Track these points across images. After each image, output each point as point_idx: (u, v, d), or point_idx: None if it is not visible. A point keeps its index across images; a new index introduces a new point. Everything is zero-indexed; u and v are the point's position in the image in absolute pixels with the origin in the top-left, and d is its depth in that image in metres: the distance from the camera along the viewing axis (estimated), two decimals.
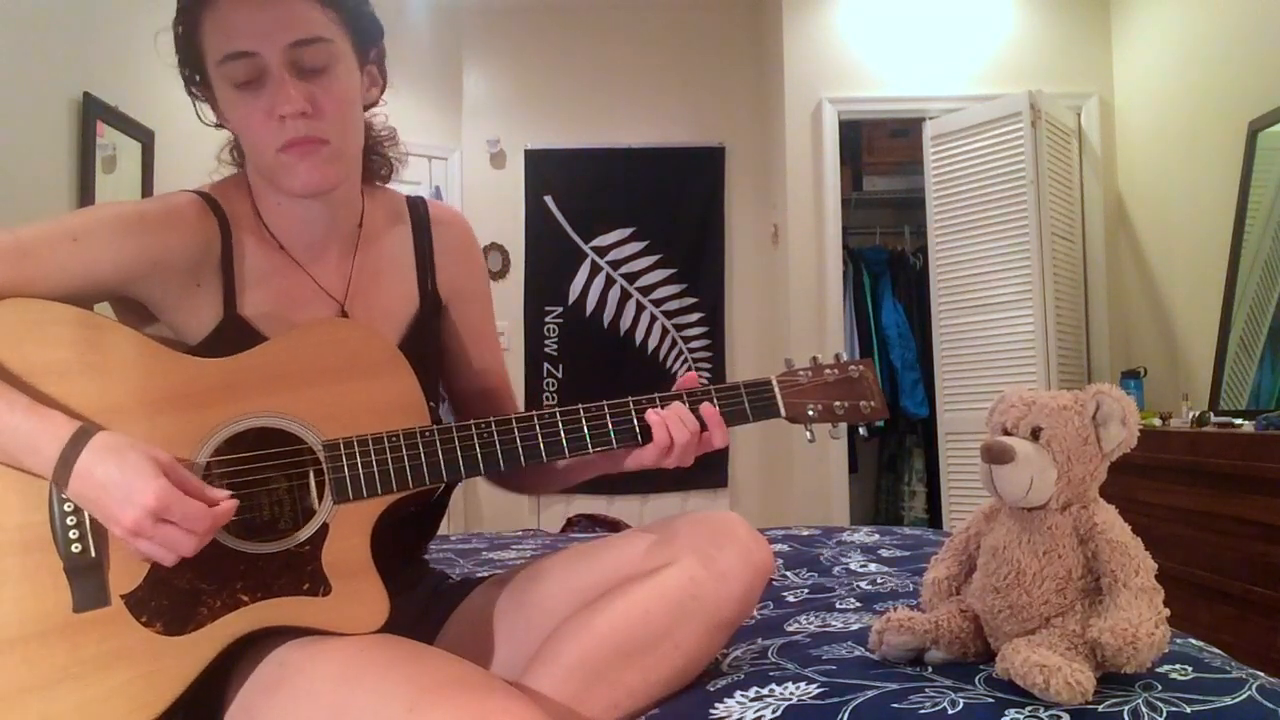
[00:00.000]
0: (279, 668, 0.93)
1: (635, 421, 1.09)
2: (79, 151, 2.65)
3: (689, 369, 4.63)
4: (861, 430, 1.21)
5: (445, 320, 1.25)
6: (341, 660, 0.91)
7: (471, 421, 1.05)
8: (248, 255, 1.10)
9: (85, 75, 2.69)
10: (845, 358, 1.20)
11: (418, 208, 1.25)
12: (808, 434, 1.17)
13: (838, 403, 1.16)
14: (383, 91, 1.17)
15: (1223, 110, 3.33)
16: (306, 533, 0.98)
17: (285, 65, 1.01)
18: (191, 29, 1.03)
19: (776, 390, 1.15)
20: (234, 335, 1.05)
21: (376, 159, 1.20)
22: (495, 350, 1.31)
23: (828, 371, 1.17)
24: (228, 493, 0.92)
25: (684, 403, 1.10)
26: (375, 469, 1.00)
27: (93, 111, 2.69)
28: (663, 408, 1.09)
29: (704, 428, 1.10)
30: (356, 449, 1.00)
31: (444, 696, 0.84)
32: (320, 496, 1.00)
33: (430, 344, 1.22)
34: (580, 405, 1.09)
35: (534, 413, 1.07)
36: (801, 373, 1.17)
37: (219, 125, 1.11)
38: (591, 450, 1.08)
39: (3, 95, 2.37)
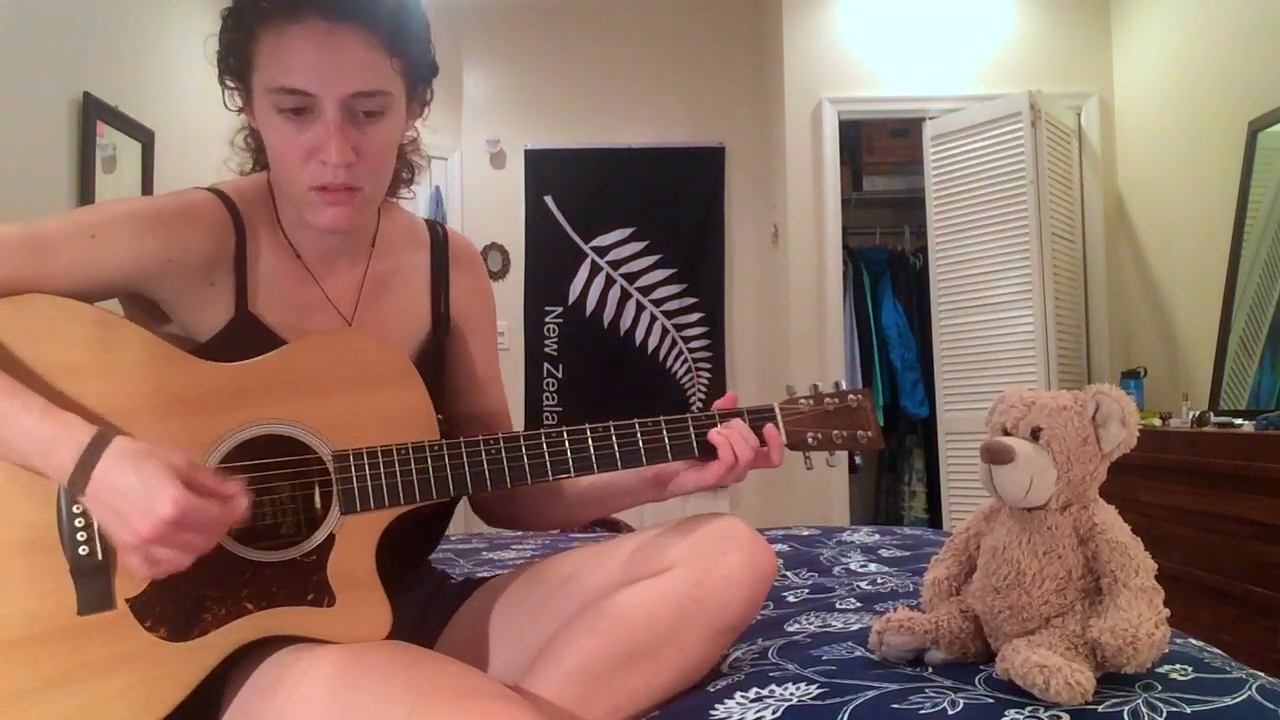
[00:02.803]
0: (277, 670, 0.92)
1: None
2: (79, 151, 2.65)
3: (690, 370, 4.64)
4: (857, 459, 1.23)
5: (452, 347, 1.24)
6: (340, 665, 0.91)
7: (480, 437, 1.05)
8: (262, 257, 1.09)
9: (85, 75, 2.69)
10: (844, 386, 1.21)
11: (437, 233, 1.26)
12: (806, 462, 1.18)
13: (836, 431, 1.17)
14: (419, 119, 1.16)
15: (1223, 110, 3.32)
16: (313, 543, 0.98)
17: (340, 111, 0.99)
18: (245, 38, 1.00)
19: (779, 417, 1.15)
20: (246, 333, 1.05)
21: (400, 165, 1.18)
22: (497, 385, 1.30)
23: (828, 400, 1.18)
24: (241, 481, 0.92)
25: (745, 420, 1.11)
26: (384, 481, 1.00)
27: (93, 111, 2.68)
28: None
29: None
30: (366, 461, 1.00)
31: (443, 702, 0.84)
32: (327, 506, 1.00)
33: (439, 367, 1.21)
34: (586, 426, 1.08)
35: (542, 430, 1.07)
36: (803, 400, 1.18)
37: (240, 112, 1.09)
38: (596, 469, 1.08)
39: (3, 95, 2.37)
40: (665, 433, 1.09)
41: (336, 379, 1.02)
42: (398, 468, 1.00)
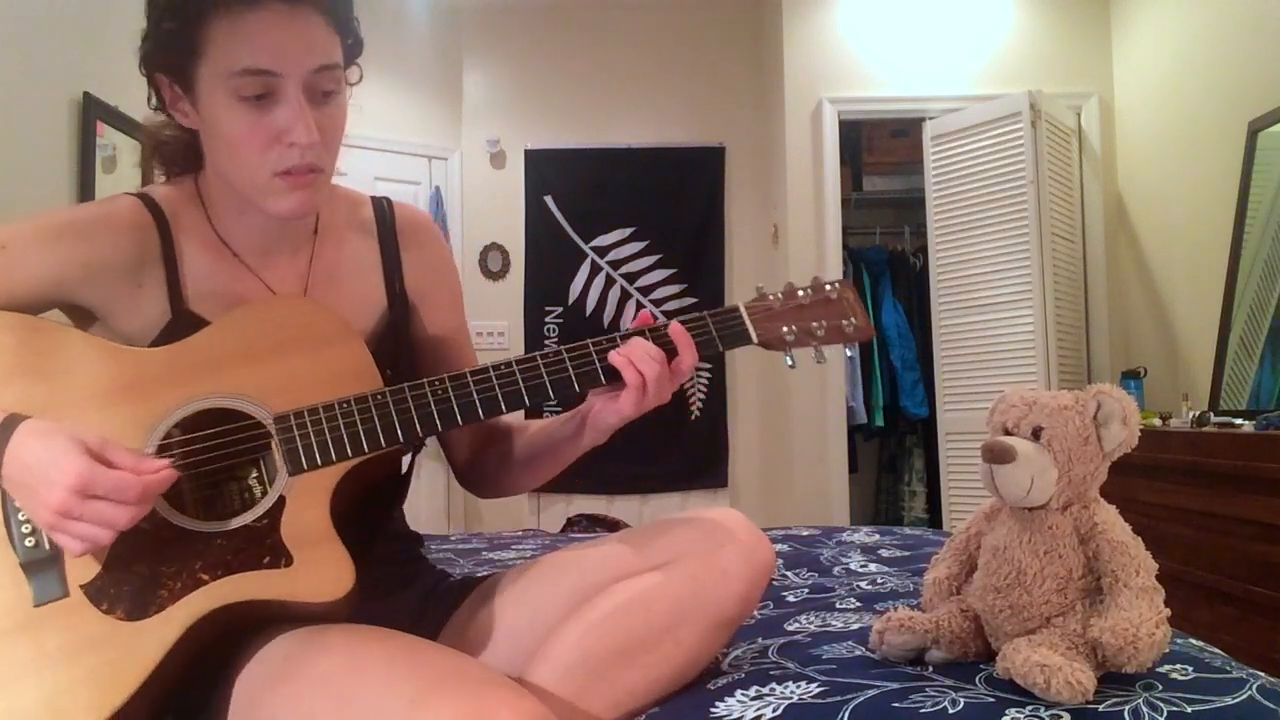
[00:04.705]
0: (283, 661, 0.92)
1: (597, 361, 1.05)
2: (79, 151, 2.66)
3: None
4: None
5: (415, 322, 1.23)
6: (346, 654, 0.91)
7: (424, 380, 1.03)
8: (191, 258, 1.09)
9: (85, 75, 2.69)
10: (823, 279, 1.16)
11: (383, 208, 1.24)
12: (787, 360, 1.14)
13: (815, 324, 1.13)
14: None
15: (1223, 110, 3.33)
16: (263, 507, 0.97)
17: (303, 90, 0.99)
18: (190, 27, 0.98)
19: (745, 316, 1.12)
20: (185, 331, 1.04)
21: None
22: (467, 350, 1.28)
23: (801, 294, 1.14)
24: (165, 461, 0.91)
25: (647, 338, 1.07)
26: (328, 436, 0.99)
27: (93, 111, 2.69)
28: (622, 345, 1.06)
29: (674, 355, 1.06)
30: (307, 418, 0.99)
31: (446, 689, 0.84)
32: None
33: (402, 345, 1.20)
34: (537, 353, 1.06)
35: (489, 365, 1.05)
36: (772, 297, 1.14)
37: (158, 110, 1.07)
38: (553, 396, 1.05)
39: (3, 95, 2.37)
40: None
41: (272, 345, 1.02)
42: (341, 420, 0.99)
